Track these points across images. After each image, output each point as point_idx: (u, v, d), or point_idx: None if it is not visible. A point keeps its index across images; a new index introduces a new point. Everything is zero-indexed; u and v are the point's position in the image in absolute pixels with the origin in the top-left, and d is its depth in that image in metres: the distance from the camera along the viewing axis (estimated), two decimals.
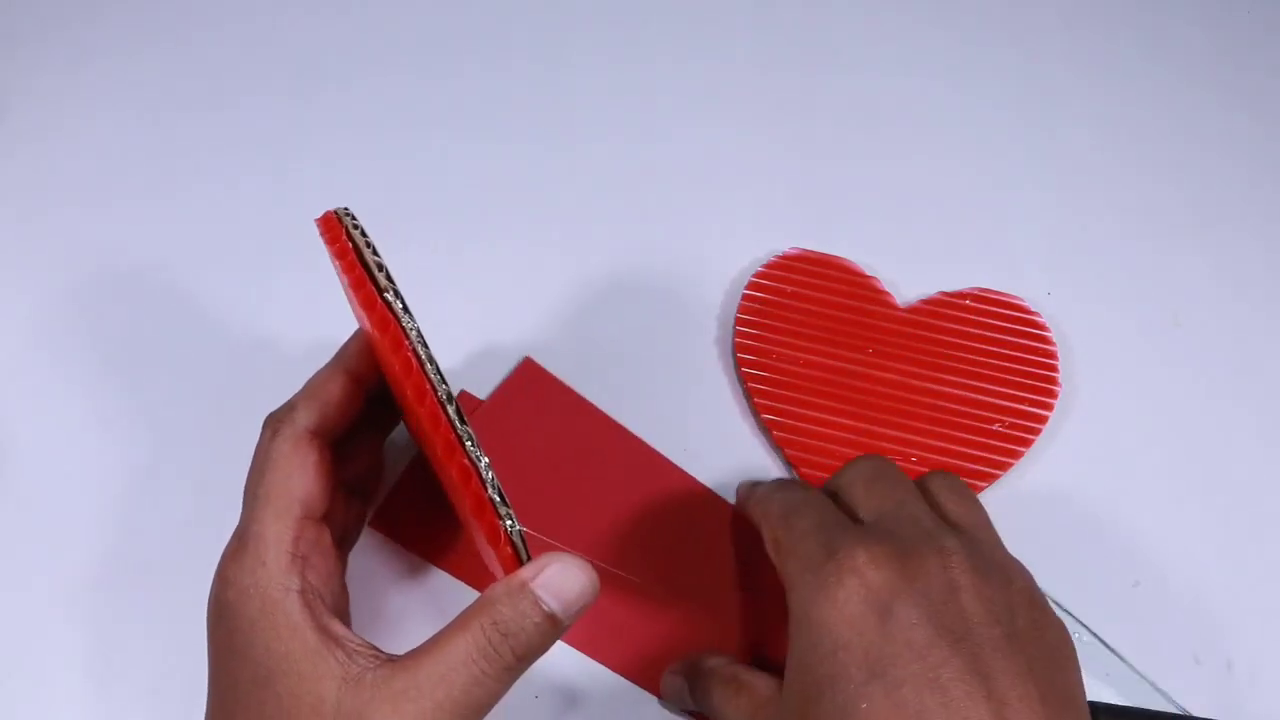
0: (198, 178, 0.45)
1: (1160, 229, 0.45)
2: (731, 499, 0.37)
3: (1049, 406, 0.40)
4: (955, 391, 0.40)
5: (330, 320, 0.34)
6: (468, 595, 0.35)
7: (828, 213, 0.45)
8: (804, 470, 0.38)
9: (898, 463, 0.32)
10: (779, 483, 0.35)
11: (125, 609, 0.36)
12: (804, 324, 0.41)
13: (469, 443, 0.26)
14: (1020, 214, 0.45)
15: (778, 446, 0.39)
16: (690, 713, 0.34)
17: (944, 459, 0.38)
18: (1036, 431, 0.39)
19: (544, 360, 0.40)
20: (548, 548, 0.27)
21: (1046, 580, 0.29)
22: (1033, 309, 0.41)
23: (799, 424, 0.39)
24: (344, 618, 0.30)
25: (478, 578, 0.36)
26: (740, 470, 0.38)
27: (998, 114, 0.48)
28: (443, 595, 0.36)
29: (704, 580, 0.36)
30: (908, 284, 0.42)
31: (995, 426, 0.39)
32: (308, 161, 0.45)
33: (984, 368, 0.40)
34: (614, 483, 0.38)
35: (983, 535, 0.30)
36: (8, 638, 0.35)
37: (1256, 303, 0.43)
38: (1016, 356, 0.40)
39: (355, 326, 0.32)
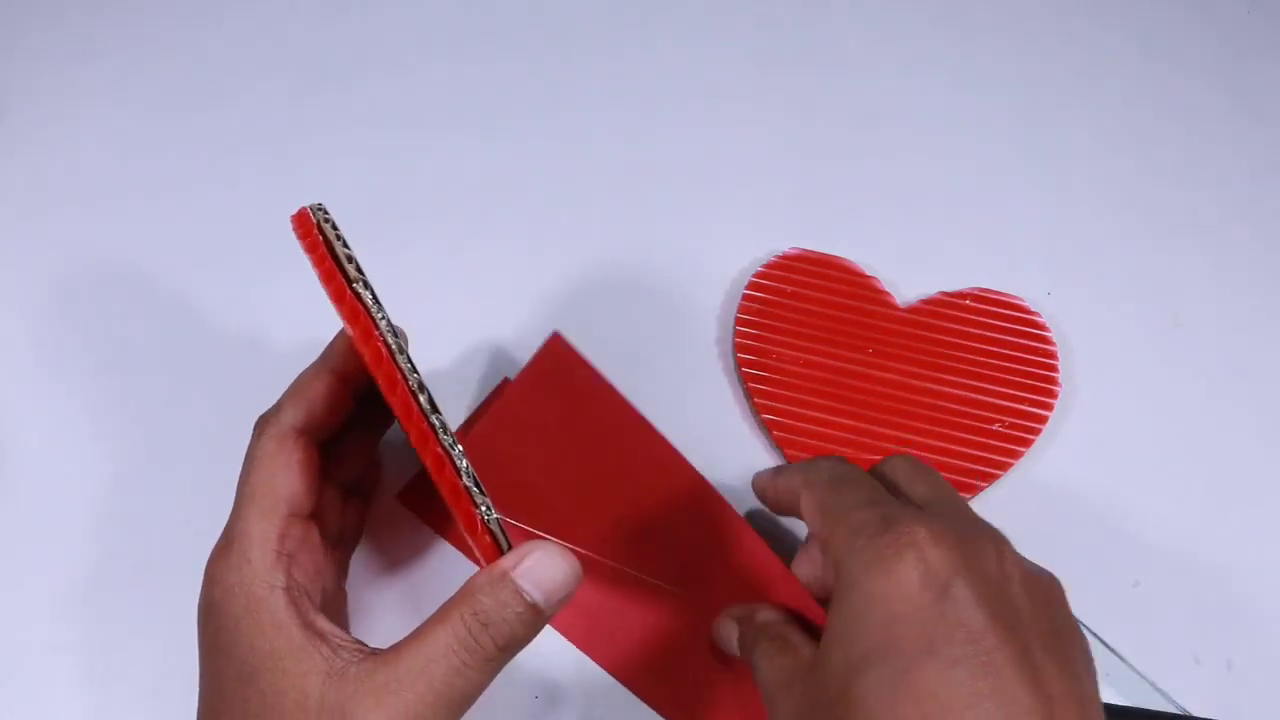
0: (197, 178, 0.45)
1: (1160, 229, 0.45)
2: (730, 499, 0.37)
3: (1049, 406, 0.40)
4: (955, 391, 0.40)
5: (330, 321, 0.34)
6: None
7: (828, 213, 0.45)
8: None
9: None
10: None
11: (125, 609, 0.36)
12: (804, 324, 0.41)
13: (441, 432, 0.26)
14: (1020, 214, 0.45)
15: (778, 446, 0.39)
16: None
17: (944, 459, 0.38)
18: (1036, 431, 0.39)
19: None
20: (531, 536, 0.27)
21: None
22: (1033, 309, 0.41)
23: (799, 424, 0.39)
24: (336, 614, 0.30)
25: None
26: (740, 470, 0.38)
27: (998, 114, 0.48)
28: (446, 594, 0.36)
29: (704, 580, 0.36)
30: (908, 284, 0.42)
31: (995, 426, 0.39)
32: (308, 161, 0.45)
33: (984, 368, 0.40)
34: (629, 474, 0.37)
35: None
36: (7, 638, 0.35)
37: (1256, 303, 0.43)
38: (1016, 356, 0.40)
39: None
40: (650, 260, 0.43)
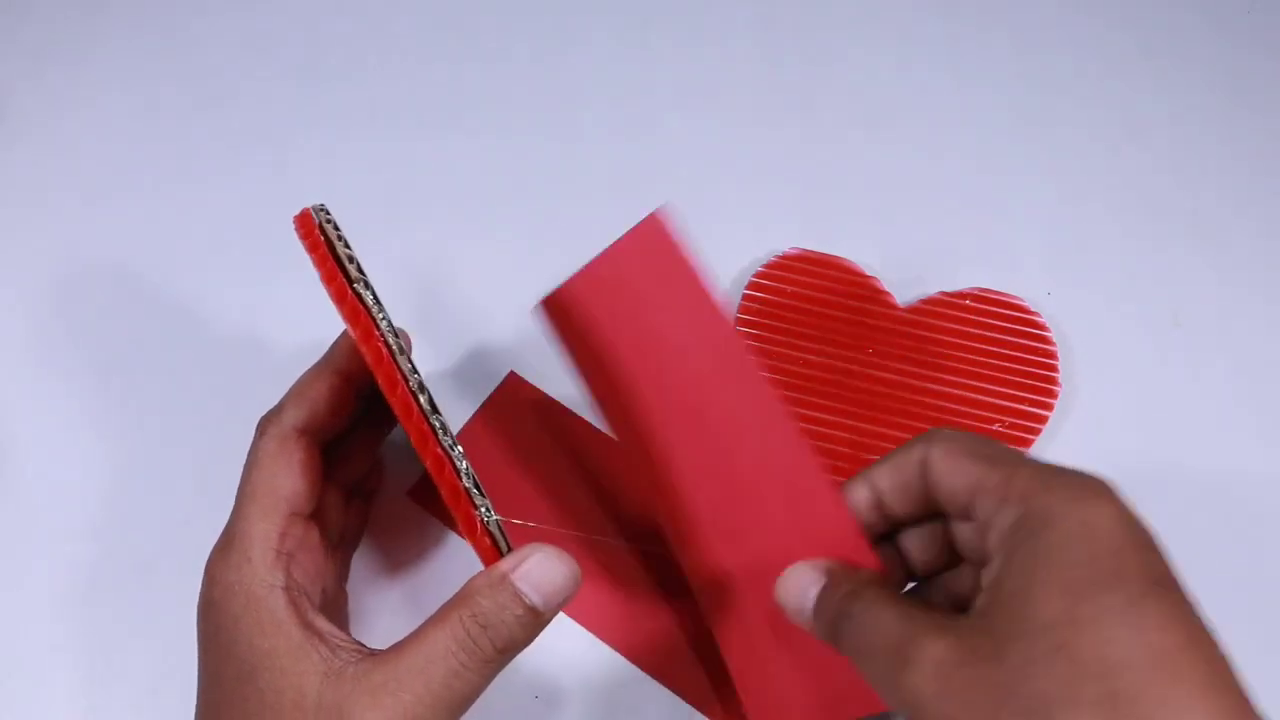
0: (197, 178, 0.45)
1: (1160, 229, 0.45)
2: None
3: (1049, 406, 0.40)
4: (955, 391, 0.40)
5: (332, 321, 0.34)
6: None
7: (828, 213, 0.45)
8: None
9: None
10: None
11: (124, 609, 0.36)
12: (804, 324, 0.41)
13: (441, 433, 0.26)
14: (1020, 214, 0.45)
15: None
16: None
17: None
18: (1036, 431, 0.39)
19: (543, 360, 0.40)
20: (530, 535, 0.27)
21: None
22: (1033, 309, 0.41)
23: (799, 424, 0.39)
24: (336, 614, 0.30)
25: None
26: None
27: (998, 114, 0.48)
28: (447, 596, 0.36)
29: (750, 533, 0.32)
30: (907, 284, 0.42)
31: (995, 426, 0.39)
32: (308, 161, 0.45)
33: (984, 368, 0.40)
34: (604, 479, 0.37)
35: None
36: (7, 638, 0.35)
37: (1256, 303, 0.43)
38: (1016, 356, 0.40)
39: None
40: None
